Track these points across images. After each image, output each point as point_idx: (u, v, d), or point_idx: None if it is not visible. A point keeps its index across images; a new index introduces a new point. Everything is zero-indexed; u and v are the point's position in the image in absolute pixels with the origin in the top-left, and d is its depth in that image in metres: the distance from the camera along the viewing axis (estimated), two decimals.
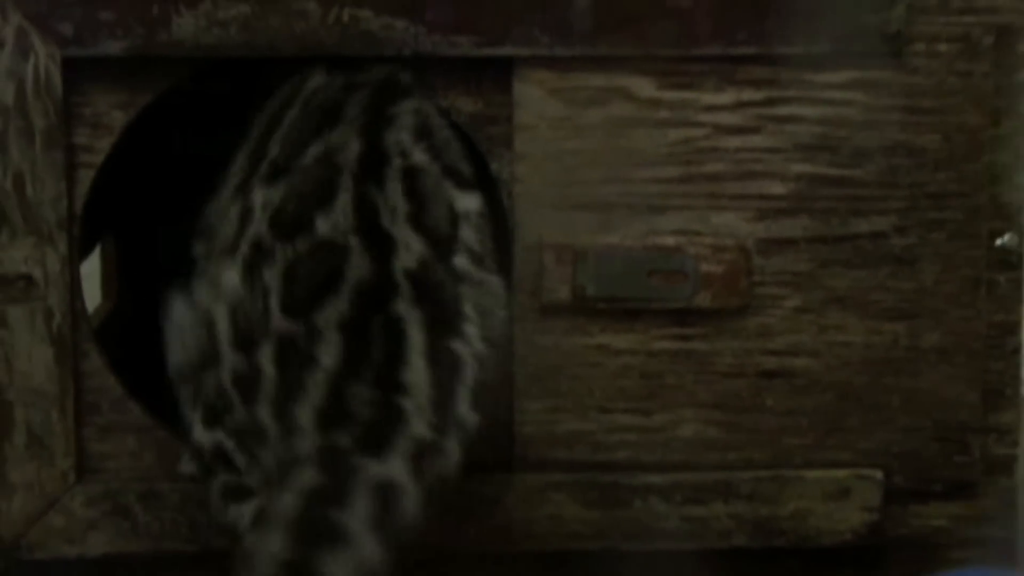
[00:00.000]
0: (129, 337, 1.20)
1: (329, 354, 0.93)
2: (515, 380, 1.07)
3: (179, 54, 1.02)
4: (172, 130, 1.22)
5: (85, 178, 1.04)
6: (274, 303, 0.94)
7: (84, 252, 1.16)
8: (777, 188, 1.06)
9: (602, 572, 1.09)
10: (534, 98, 1.04)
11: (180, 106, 1.16)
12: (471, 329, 0.98)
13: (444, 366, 0.95)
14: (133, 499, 1.06)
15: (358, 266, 0.95)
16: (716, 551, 1.08)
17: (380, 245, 0.96)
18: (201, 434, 0.99)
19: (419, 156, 1.00)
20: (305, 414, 0.93)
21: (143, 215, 1.35)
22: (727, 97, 1.05)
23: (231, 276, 0.95)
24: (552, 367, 1.07)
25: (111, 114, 1.04)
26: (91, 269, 1.37)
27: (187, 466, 1.05)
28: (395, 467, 0.92)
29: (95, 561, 1.07)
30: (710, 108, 1.05)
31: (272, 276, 0.95)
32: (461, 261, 0.99)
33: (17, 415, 1.04)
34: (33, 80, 1.02)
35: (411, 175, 0.99)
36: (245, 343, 0.95)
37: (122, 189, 1.17)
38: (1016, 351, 1.09)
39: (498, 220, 1.05)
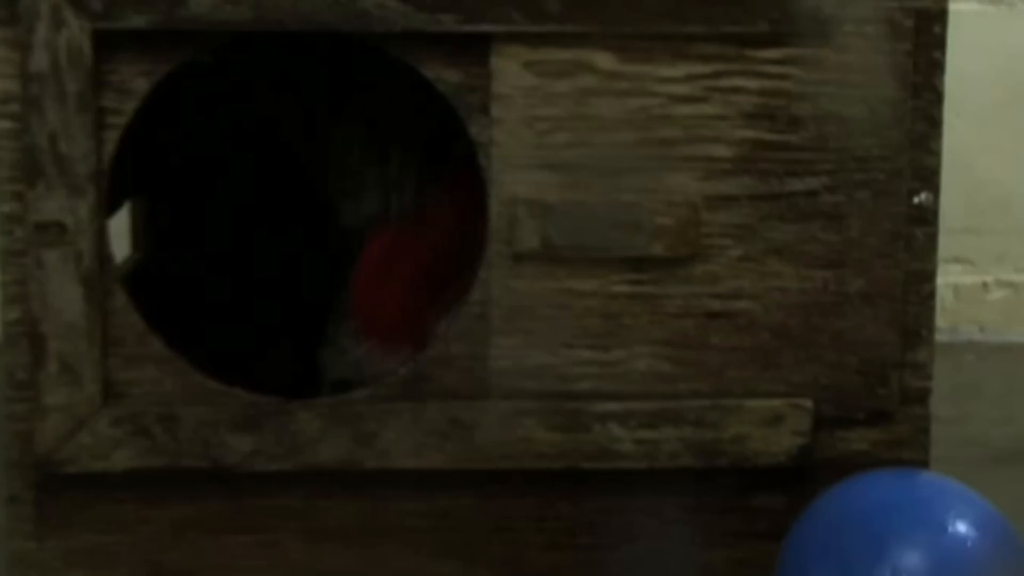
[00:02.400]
0: (154, 285, 1.26)
1: None
2: (491, 319, 1.11)
3: (196, 28, 1.07)
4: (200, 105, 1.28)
5: (112, 137, 1.08)
6: None
7: (114, 206, 1.21)
8: (722, 151, 1.10)
9: (566, 489, 1.14)
10: (509, 70, 1.09)
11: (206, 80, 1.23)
12: None
13: None
14: (153, 421, 1.10)
15: None
16: (666, 470, 1.13)
17: None
18: None
19: None
20: None
21: (170, 178, 1.42)
22: (679, 70, 1.09)
23: None
24: (524, 308, 1.11)
25: (135, 81, 1.08)
26: (123, 225, 1.43)
27: None
28: None
29: (119, 475, 1.11)
30: (664, 80, 1.09)
31: None
32: None
33: (51, 346, 1.09)
34: (66, 50, 1.07)
35: None
36: None
37: (151, 153, 1.22)
38: (930, 296, 1.14)
39: (477, 178, 1.11)
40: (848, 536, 1.03)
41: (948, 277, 1.72)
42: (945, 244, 1.17)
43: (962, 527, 1.02)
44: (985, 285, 1.77)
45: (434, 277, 1.24)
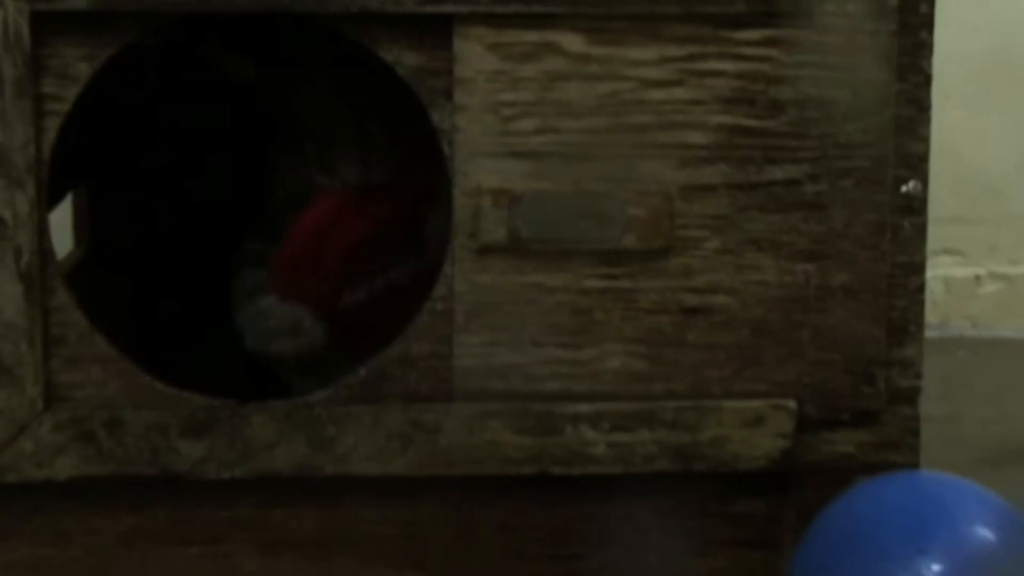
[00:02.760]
0: (98, 282, 1.22)
1: None
2: (454, 316, 1.07)
3: (141, 8, 1.02)
4: (141, 86, 1.23)
5: (52, 125, 1.04)
6: None
7: (55, 199, 1.17)
8: (698, 138, 1.06)
9: (535, 495, 1.10)
10: (473, 53, 1.05)
11: (147, 62, 1.18)
12: None
13: None
14: (98, 426, 1.06)
15: None
16: (641, 475, 1.09)
17: None
18: None
19: None
20: None
21: (112, 168, 1.36)
22: (652, 53, 1.05)
23: None
24: (489, 304, 1.07)
25: (77, 66, 1.04)
26: (64, 218, 1.38)
27: None
28: None
29: (62, 484, 1.07)
30: (636, 63, 1.05)
31: None
32: None
33: None
34: (2, 33, 1.02)
35: None
36: None
37: (93, 142, 1.17)
38: (919, 290, 1.10)
39: (439, 167, 1.06)
40: (864, 549, 0.99)
41: (938, 270, 1.69)
42: (934, 235, 1.13)
43: (980, 527, 0.99)
44: (977, 278, 1.74)
45: (372, 254, 1.20)
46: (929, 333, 1.14)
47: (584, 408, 1.08)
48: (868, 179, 1.08)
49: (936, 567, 0.97)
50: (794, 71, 1.06)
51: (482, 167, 1.06)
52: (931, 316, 1.27)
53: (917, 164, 1.08)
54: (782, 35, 1.06)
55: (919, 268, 1.10)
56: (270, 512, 1.09)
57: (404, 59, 1.05)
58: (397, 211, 1.22)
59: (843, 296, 1.09)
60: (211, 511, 1.09)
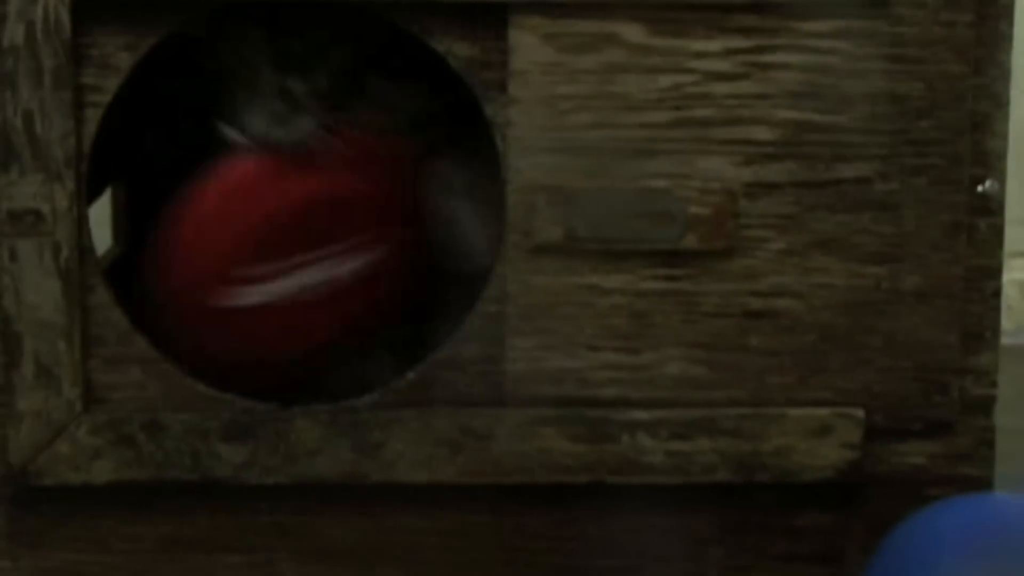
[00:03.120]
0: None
1: None
2: (507, 318, 1.04)
3: None
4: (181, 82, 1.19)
5: (93, 117, 1.01)
6: None
7: (95, 194, 1.13)
8: (764, 133, 1.03)
9: (589, 505, 1.07)
10: (528, 44, 1.01)
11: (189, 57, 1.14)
12: None
13: None
14: (137, 429, 1.04)
15: None
16: (700, 485, 1.06)
17: None
18: None
19: None
20: None
21: (152, 164, 1.33)
22: (716, 44, 1.02)
23: None
24: (543, 306, 1.04)
25: (118, 55, 1.01)
26: (103, 214, 1.35)
27: None
28: None
29: (100, 488, 1.04)
30: (699, 55, 1.02)
31: None
32: None
33: (26, 346, 1.02)
34: (43, 21, 0.99)
35: None
36: None
37: (134, 137, 1.14)
38: (995, 295, 1.06)
39: (492, 162, 1.03)
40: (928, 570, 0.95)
41: (1014, 273, 1.63)
42: (1010, 237, 1.10)
43: None
44: None
45: (289, 238, 1.05)
46: (1004, 340, 1.11)
47: (641, 415, 1.05)
48: (942, 178, 1.03)
49: None
50: (865, 64, 1.02)
51: (536, 163, 1.02)
52: (1006, 323, 1.21)
53: (994, 162, 1.04)
54: (852, 26, 1.02)
55: (995, 271, 1.05)
56: (313, 520, 1.06)
57: (457, 50, 1.02)
58: (340, 187, 1.07)
59: (914, 300, 1.05)
60: (252, 518, 1.06)
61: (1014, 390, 1.20)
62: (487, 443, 1.04)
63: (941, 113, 1.03)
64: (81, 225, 1.02)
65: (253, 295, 1.07)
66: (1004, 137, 1.04)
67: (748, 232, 1.04)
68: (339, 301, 1.08)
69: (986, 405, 1.06)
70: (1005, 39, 1.03)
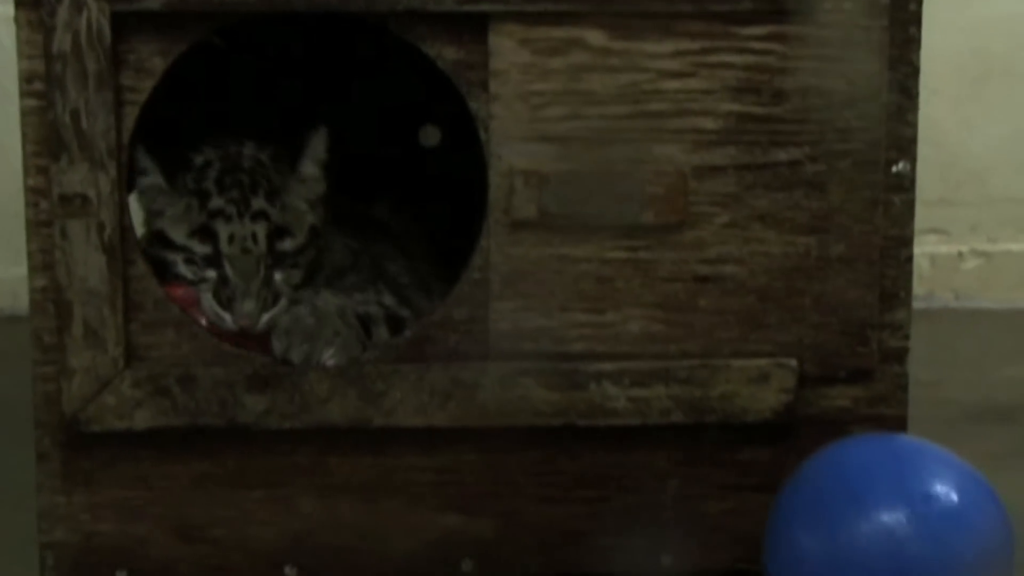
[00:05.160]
0: None
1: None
2: (490, 284, 1.07)
3: (209, 9, 1.04)
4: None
5: (131, 114, 1.05)
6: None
7: (135, 180, 1.17)
8: (709, 124, 1.07)
9: (563, 445, 1.10)
10: (506, 47, 1.05)
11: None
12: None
13: None
14: (172, 382, 1.07)
15: None
16: (658, 426, 1.10)
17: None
18: None
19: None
20: None
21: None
22: (668, 47, 1.06)
23: None
24: (521, 273, 1.08)
25: (152, 60, 1.05)
26: None
27: None
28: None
29: (141, 433, 1.08)
30: (653, 56, 1.06)
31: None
32: None
33: (75, 311, 1.06)
34: (86, 31, 1.03)
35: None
36: None
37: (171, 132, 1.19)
38: (908, 260, 1.10)
39: (476, 150, 1.07)
40: (831, 498, 1.00)
41: (924, 247, 1.69)
42: (922, 215, 1.14)
43: (943, 487, 1.00)
44: (960, 254, 1.74)
45: None
46: (916, 304, 1.13)
47: (607, 367, 1.09)
48: (863, 160, 1.08)
49: (904, 516, 0.98)
50: (796, 63, 1.07)
51: (515, 150, 1.06)
52: (918, 289, 1.26)
53: (906, 146, 1.09)
54: (785, 31, 1.06)
55: (908, 240, 1.10)
56: (326, 459, 1.10)
57: (445, 53, 1.06)
58: None
59: (840, 266, 1.09)
60: (273, 458, 1.10)
61: (924, 347, 1.24)
62: (475, 392, 1.08)
63: (861, 105, 1.07)
64: (122, 208, 1.06)
65: None
66: (914, 125, 1.08)
67: (697, 208, 1.08)
68: None
69: (901, 355, 1.11)
70: (914, 41, 1.08)
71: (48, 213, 1.06)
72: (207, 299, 1.11)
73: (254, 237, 1.11)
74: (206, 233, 1.11)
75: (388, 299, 1.16)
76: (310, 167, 1.14)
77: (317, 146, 1.14)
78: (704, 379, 1.09)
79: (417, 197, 1.29)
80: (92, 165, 1.05)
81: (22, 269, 1.08)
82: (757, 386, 1.09)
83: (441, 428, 1.09)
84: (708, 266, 1.09)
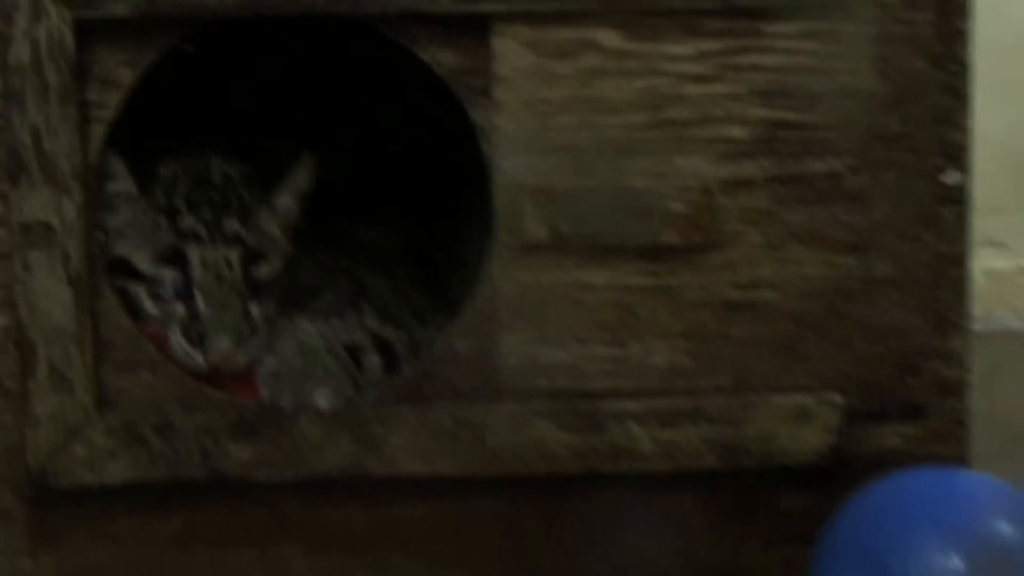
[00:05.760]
0: None
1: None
2: (498, 314, 1.00)
3: (180, 14, 0.96)
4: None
5: (97, 131, 0.98)
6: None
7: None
8: (737, 132, 1.00)
9: (583, 493, 1.03)
10: (511, 51, 0.98)
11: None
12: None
13: None
14: (149, 429, 1.00)
15: None
16: (688, 471, 1.02)
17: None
18: None
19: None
20: None
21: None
22: (689, 48, 0.99)
23: None
24: (532, 302, 1.00)
25: (119, 71, 0.98)
26: None
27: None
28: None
29: (115, 487, 1.01)
30: (674, 58, 0.99)
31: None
32: None
33: (40, 351, 0.99)
34: (47, 41, 0.96)
35: None
36: None
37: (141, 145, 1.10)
38: (962, 280, 1.02)
39: (478, 165, 0.99)
40: (877, 541, 0.94)
41: (981, 261, 1.58)
42: (977, 226, 1.04)
43: (1005, 527, 0.93)
44: (1021, 268, 1.64)
45: None
46: (973, 327, 1.04)
47: (630, 405, 1.01)
48: (908, 169, 1.00)
49: (956, 559, 0.91)
50: (832, 63, 0.99)
51: (521, 164, 0.99)
52: (975, 309, 1.17)
53: (957, 153, 1.00)
54: (818, 27, 0.98)
55: (962, 258, 1.02)
56: (319, 513, 1.03)
57: (442, 58, 0.98)
58: None
59: (886, 288, 1.01)
60: (261, 512, 1.03)
61: (983, 373, 1.16)
62: (483, 435, 1.01)
63: (905, 108, 0.99)
64: (89, 235, 0.98)
65: None
66: (966, 130, 1.00)
67: (725, 226, 1.00)
68: None
69: (957, 387, 1.02)
70: (963, 35, 0.99)
71: (7, 244, 0.98)
72: (175, 337, 1.01)
73: (228, 263, 1.01)
74: (175, 257, 1.01)
75: (371, 321, 1.06)
76: (288, 199, 1.05)
77: (300, 178, 1.05)
78: (738, 417, 1.01)
79: (409, 214, 1.18)
80: (55, 189, 0.98)
81: None
82: (797, 425, 1.01)
83: (446, 476, 1.02)
84: (739, 291, 1.01)
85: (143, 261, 1.01)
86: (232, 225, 1.02)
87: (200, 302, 1.01)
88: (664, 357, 1.01)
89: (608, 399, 1.01)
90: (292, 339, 1.02)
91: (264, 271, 1.02)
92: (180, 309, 1.01)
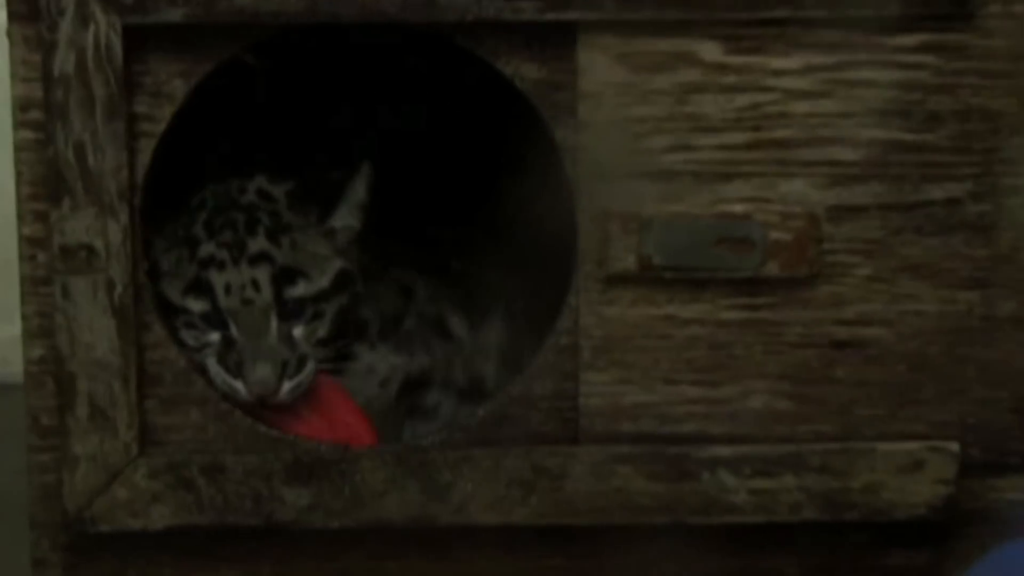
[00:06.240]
0: None
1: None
2: (580, 352, 1.00)
3: (239, 21, 0.95)
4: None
5: (146, 147, 0.98)
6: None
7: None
8: (848, 154, 0.99)
9: (669, 547, 1.03)
10: (599, 64, 0.97)
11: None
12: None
13: None
14: (196, 472, 1.00)
15: None
16: (786, 525, 1.02)
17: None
18: None
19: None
20: None
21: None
22: (796, 61, 0.98)
23: None
24: (618, 338, 1.00)
25: (172, 83, 0.97)
26: None
27: None
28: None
29: (158, 534, 1.01)
30: (778, 72, 0.98)
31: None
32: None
33: (80, 387, 0.99)
34: (94, 49, 0.96)
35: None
36: None
37: (191, 165, 1.10)
38: None
39: (561, 189, 0.99)
40: None
41: None
42: None
43: None
44: None
45: None
46: None
47: (723, 451, 1.01)
48: None
49: None
50: (955, 79, 0.98)
51: (610, 189, 0.99)
52: None
53: None
54: (941, 40, 0.98)
55: None
56: (381, 564, 1.03)
57: (524, 71, 0.98)
58: None
59: (1010, 327, 1.01)
60: (318, 563, 1.03)
61: None
62: (561, 482, 1.01)
63: None
64: (135, 261, 0.98)
65: None
66: None
67: (832, 258, 1.00)
68: None
69: None
70: None
71: (47, 268, 0.98)
72: (212, 366, 1.02)
73: (255, 284, 1.02)
74: (200, 287, 1.02)
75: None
76: (346, 214, 1.05)
77: (359, 190, 1.05)
78: (843, 467, 1.01)
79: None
80: (100, 210, 0.97)
81: (13, 328, 1.02)
82: (909, 476, 1.01)
83: (521, 527, 1.02)
84: (847, 328, 1.01)
85: (174, 295, 1.02)
86: (258, 244, 1.02)
87: (233, 329, 1.02)
88: (761, 400, 1.01)
89: (698, 445, 1.01)
90: (368, 373, 1.04)
91: (301, 289, 1.03)
92: (215, 337, 1.02)
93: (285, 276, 1.02)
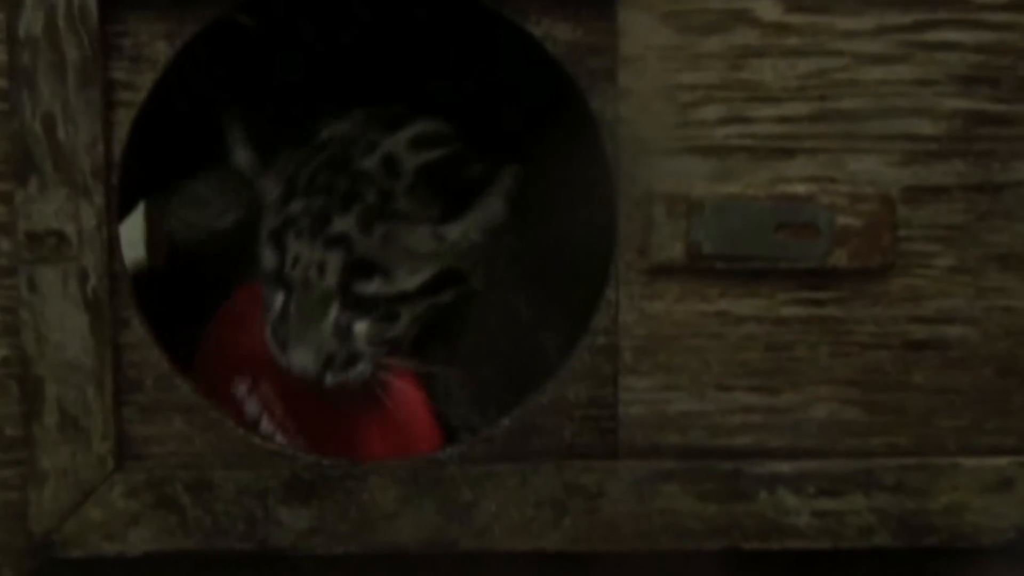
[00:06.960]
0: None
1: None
2: (620, 353, 1.02)
3: None
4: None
5: (124, 119, 1.00)
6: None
7: (125, 208, 1.13)
8: (927, 127, 1.00)
9: (722, 575, 1.05)
10: (642, 25, 0.99)
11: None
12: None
13: None
14: (181, 489, 1.02)
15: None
16: (855, 551, 1.04)
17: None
18: None
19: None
20: None
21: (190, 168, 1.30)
22: (867, 21, 1.00)
23: None
24: (663, 338, 1.02)
25: (154, 45, 1.00)
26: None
27: None
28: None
29: (138, 560, 1.03)
30: (847, 34, 1.00)
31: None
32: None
33: (48, 392, 1.01)
34: (65, 7, 0.98)
35: None
36: None
37: (169, 138, 1.13)
38: None
39: (599, 166, 1.01)
40: None
41: None
42: None
43: None
44: None
45: None
46: None
47: (783, 468, 1.03)
48: None
49: None
50: None
51: (654, 167, 1.01)
52: None
53: None
54: None
55: None
56: None
57: (556, 33, 1.00)
58: None
59: None
60: None
61: None
62: (598, 503, 1.03)
63: None
64: (112, 248, 1.01)
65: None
66: None
67: (909, 246, 1.02)
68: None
69: None
70: None
71: (10, 257, 1.01)
72: (268, 329, 1.07)
73: (321, 268, 1.05)
74: (277, 242, 1.08)
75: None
76: (468, 231, 1.08)
77: (493, 204, 1.08)
78: (921, 486, 1.03)
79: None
80: (72, 191, 1.00)
81: None
82: (996, 495, 1.03)
83: (552, 553, 1.04)
84: (926, 327, 1.02)
85: (263, 231, 1.08)
86: (342, 225, 1.05)
87: (291, 303, 1.06)
88: (827, 408, 1.03)
89: (755, 460, 1.03)
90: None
91: (373, 288, 1.05)
92: (278, 300, 1.06)
93: (360, 268, 1.05)
